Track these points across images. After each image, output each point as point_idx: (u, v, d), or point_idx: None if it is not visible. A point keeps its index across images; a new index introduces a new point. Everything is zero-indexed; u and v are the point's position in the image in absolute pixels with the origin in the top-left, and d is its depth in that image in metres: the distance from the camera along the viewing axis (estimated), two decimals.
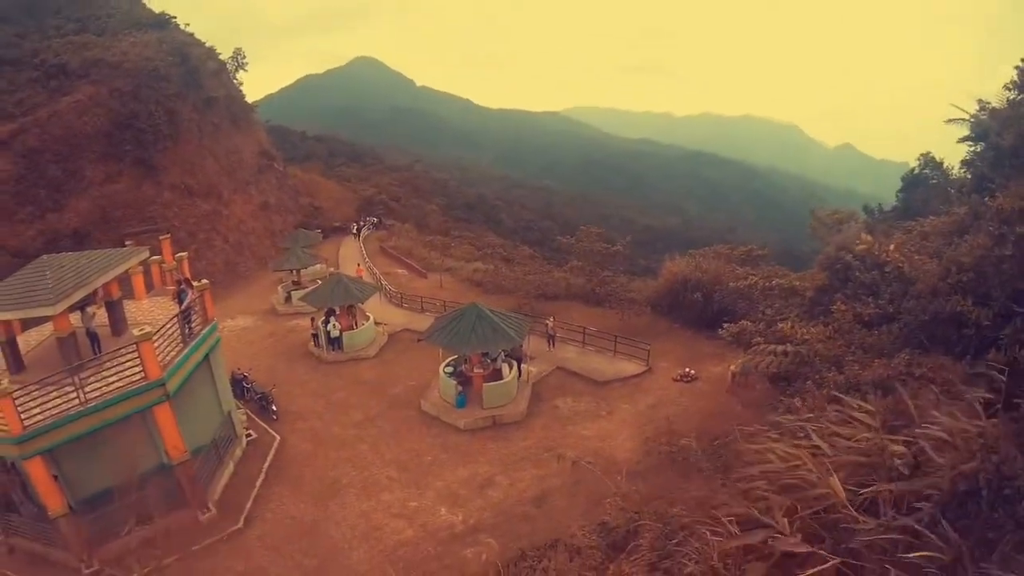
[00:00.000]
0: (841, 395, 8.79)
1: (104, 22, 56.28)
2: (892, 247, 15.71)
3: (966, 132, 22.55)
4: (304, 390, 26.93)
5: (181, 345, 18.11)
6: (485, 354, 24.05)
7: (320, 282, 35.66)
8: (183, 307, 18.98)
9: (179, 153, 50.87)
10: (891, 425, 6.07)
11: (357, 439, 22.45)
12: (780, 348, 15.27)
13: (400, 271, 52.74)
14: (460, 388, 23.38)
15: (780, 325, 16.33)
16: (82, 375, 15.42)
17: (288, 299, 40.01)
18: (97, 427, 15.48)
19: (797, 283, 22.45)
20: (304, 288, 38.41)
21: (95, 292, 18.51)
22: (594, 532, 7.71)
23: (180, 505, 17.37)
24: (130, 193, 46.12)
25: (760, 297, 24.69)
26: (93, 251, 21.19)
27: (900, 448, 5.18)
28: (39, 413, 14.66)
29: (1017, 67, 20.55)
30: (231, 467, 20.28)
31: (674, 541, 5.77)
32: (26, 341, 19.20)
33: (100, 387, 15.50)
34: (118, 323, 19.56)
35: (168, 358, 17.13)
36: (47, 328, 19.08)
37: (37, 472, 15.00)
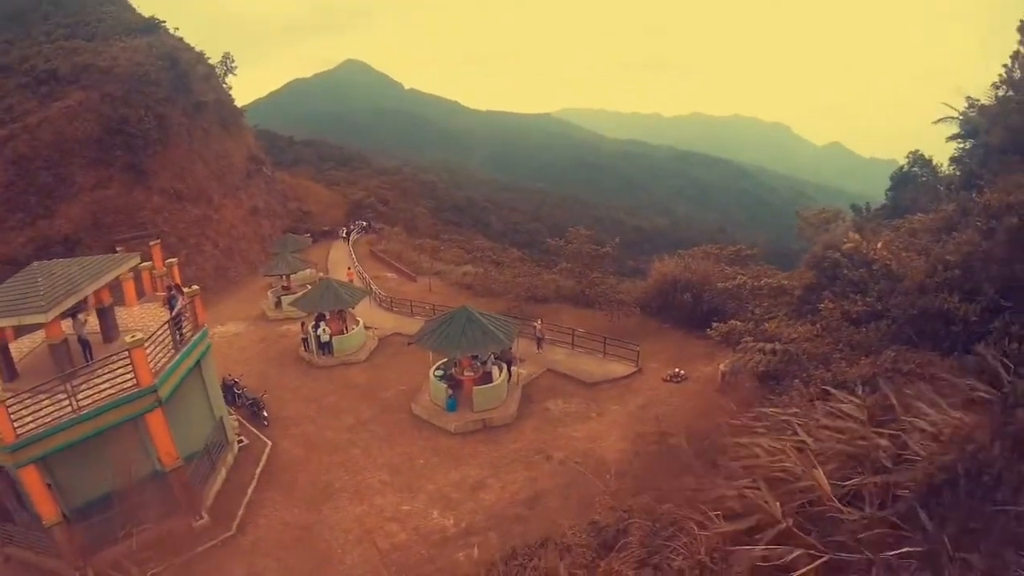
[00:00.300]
0: (829, 389, 8.90)
1: (94, 27, 56.25)
2: (880, 245, 15.86)
3: (956, 130, 22.82)
4: (295, 395, 26.87)
5: (172, 351, 18.07)
6: (475, 357, 24.14)
7: (310, 287, 35.58)
8: (174, 313, 18.92)
9: (169, 158, 50.62)
10: (878, 420, 6.17)
11: (349, 443, 22.43)
12: (769, 347, 15.40)
13: (390, 275, 52.71)
14: (450, 391, 23.41)
15: (767, 324, 16.46)
16: (74, 382, 15.37)
17: (278, 304, 39.82)
18: (90, 434, 15.41)
19: (786, 282, 22.65)
20: (294, 293, 38.36)
21: (86, 299, 18.47)
22: (584, 531, 7.78)
23: (173, 512, 17.30)
24: (120, 199, 45.85)
25: (749, 296, 24.91)
26: (84, 258, 21.21)
27: (884, 441, 5.27)
28: (32, 421, 14.59)
29: (1005, 65, 20.88)
30: (223, 473, 20.23)
31: (663, 537, 5.86)
32: (18, 348, 19.09)
33: (92, 394, 15.43)
34: (109, 330, 19.48)
35: (159, 365, 17.09)
36: (39, 335, 19.02)
37: (30, 480, 14.91)
